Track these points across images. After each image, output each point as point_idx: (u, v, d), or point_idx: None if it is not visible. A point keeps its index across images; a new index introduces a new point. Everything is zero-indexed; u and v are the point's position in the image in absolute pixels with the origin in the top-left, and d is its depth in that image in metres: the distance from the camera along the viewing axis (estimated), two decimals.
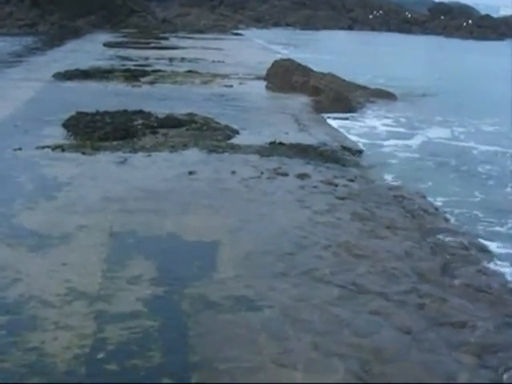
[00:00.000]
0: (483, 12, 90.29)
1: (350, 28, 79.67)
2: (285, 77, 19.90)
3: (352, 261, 6.79)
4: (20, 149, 10.94)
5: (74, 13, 46.83)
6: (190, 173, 9.67)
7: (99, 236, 7.16)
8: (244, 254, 6.78)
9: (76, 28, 43.80)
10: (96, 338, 5.01)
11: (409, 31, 79.56)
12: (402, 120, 17.52)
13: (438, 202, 10.07)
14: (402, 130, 16.32)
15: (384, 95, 20.74)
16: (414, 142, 15.02)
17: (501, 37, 76.22)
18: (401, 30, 78.88)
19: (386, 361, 5.01)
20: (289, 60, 21.86)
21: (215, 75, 21.31)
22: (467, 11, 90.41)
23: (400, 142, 14.78)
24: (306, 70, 20.58)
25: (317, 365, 4.84)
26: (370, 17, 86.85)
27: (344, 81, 21.43)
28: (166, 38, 38.49)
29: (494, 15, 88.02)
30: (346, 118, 16.77)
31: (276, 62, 21.44)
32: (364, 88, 21.44)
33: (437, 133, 16.00)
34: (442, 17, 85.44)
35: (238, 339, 5.13)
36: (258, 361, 4.85)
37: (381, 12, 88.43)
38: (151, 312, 5.49)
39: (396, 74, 28.98)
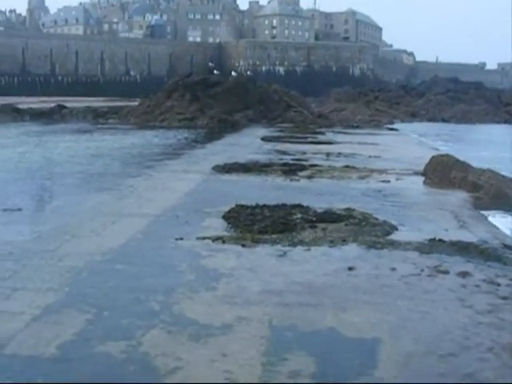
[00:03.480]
0: None
1: (507, 122, 78.22)
2: (443, 172, 19.70)
3: None
4: (181, 239, 11.28)
5: (232, 107, 48.19)
6: (350, 268, 9.65)
7: (259, 328, 7.23)
8: (405, 352, 6.67)
9: (234, 122, 44.99)
10: None
11: None
12: None
13: None
14: None
15: None
16: None
17: None
18: None
19: None
20: (447, 155, 21.64)
21: (372, 170, 21.32)
22: None
23: None
24: (464, 166, 20.30)
25: None
26: None
27: (504, 177, 20.98)
28: (322, 133, 38.94)
29: None
30: (508, 216, 16.39)
31: (434, 157, 21.27)
32: None
33: None
34: None
35: None
36: None
37: None
38: None
39: None
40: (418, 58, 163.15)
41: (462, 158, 21.68)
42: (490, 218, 15.34)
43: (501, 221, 15.36)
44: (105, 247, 10.68)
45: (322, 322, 7.51)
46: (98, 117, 50.46)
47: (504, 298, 8.70)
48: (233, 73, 61.81)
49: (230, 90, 49.87)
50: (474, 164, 22.06)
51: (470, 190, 18.11)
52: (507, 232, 13.90)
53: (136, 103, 54.69)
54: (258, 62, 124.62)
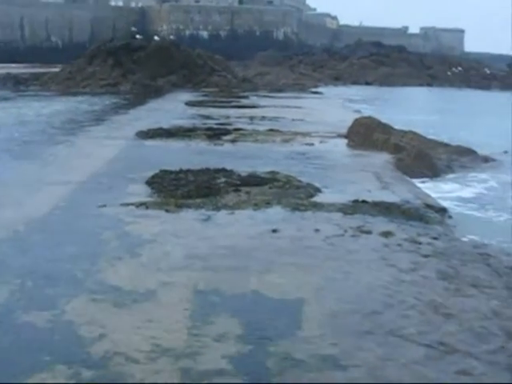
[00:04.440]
0: None
1: (429, 85, 79.28)
2: (366, 135, 19.88)
3: (438, 319, 6.67)
4: (105, 206, 11.15)
5: (155, 72, 47.70)
6: (274, 231, 9.69)
7: (183, 293, 7.21)
8: (329, 312, 6.73)
9: (157, 87, 44.56)
10: None
11: (488, 87, 78.77)
12: (487, 179, 17.33)
13: None
14: (484, 189, 16.14)
15: (466, 153, 20.50)
16: (497, 201, 14.81)
17: None
18: (480, 86, 78.10)
19: None
20: (369, 118, 21.85)
21: (296, 133, 21.39)
22: None
23: (482, 201, 14.62)
24: (386, 128, 20.54)
25: None
26: (449, 73, 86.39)
27: (425, 138, 21.32)
28: (246, 97, 38.88)
29: None
30: (429, 176, 16.66)
31: (357, 119, 21.46)
32: (445, 145, 21.26)
33: None
34: None
35: None
36: None
37: (460, 68, 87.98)
38: (237, 370, 5.47)
39: (477, 132, 28.79)
40: (342, 22, 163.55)
41: (384, 121, 21.91)
42: (412, 179, 15.58)
43: (422, 181, 15.64)
44: (27, 216, 10.47)
45: (246, 284, 7.53)
46: (18, 84, 49.27)
47: (425, 256, 8.84)
48: (155, 37, 61.02)
49: (153, 55, 49.35)
50: (397, 126, 22.33)
51: (393, 151, 18.33)
52: (428, 192, 14.14)
53: (58, 70, 53.58)
54: (181, 27, 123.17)
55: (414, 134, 21.14)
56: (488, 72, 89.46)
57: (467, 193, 15.70)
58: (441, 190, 15.53)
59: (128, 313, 6.65)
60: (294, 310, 6.79)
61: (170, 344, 5.90)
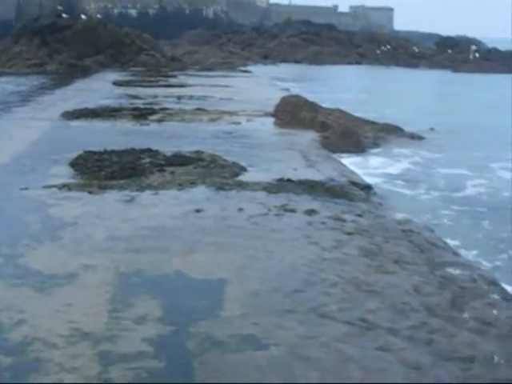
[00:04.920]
0: (490, 45, 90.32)
1: (358, 63, 79.67)
2: (293, 113, 19.90)
3: (360, 296, 6.72)
4: (26, 188, 10.94)
5: (82, 52, 46.94)
6: (197, 211, 9.63)
7: (105, 275, 7.12)
8: (251, 291, 6.71)
9: (84, 67, 43.88)
10: (100, 380, 4.95)
11: (416, 65, 79.49)
12: (409, 155, 17.56)
13: (448, 236, 10.00)
14: (408, 165, 16.34)
15: (393, 130, 20.71)
16: (423, 177, 15.01)
17: (510, 70, 76.08)
18: (409, 65, 78.80)
19: None
20: (296, 96, 21.89)
21: (223, 112, 21.31)
22: (474, 45, 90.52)
23: (408, 177, 14.79)
24: (313, 106, 20.59)
25: None
26: (378, 52, 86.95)
27: (352, 116, 21.45)
28: (174, 76, 38.56)
29: (502, 48, 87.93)
30: (355, 153, 16.79)
31: (283, 98, 21.44)
32: (372, 123, 21.43)
33: (445, 169, 16.00)
34: (450, 50, 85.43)
35: (244, 379, 5.06)
36: None
37: (389, 47, 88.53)
38: (157, 352, 5.42)
39: (405, 109, 29.12)
40: (272, 1, 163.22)
41: (313, 99, 21.98)
42: (338, 157, 15.67)
43: (348, 159, 15.75)
44: None
45: (169, 265, 7.46)
46: None
47: (349, 233, 8.89)
48: (82, 16, 59.84)
49: (80, 35, 48.52)
50: (325, 104, 22.45)
51: (319, 129, 18.39)
52: (354, 169, 14.24)
53: None
54: (109, 5, 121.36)
55: (341, 112, 21.26)
56: (416, 50, 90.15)
57: (393, 169, 15.88)
58: (367, 166, 15.70)
59: (48, 297, 6.54)
60: (216, 290, 6.76)
61: (90, 328, 5.81)
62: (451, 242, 9.76)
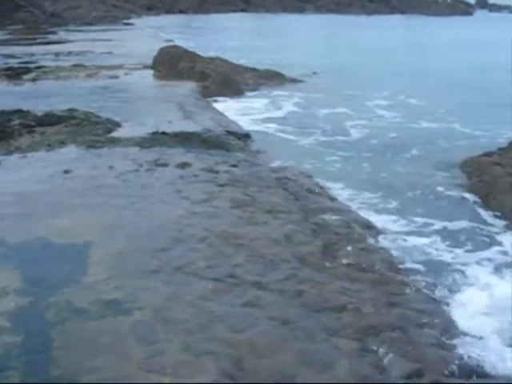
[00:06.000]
0: None
1: (243, 10, 79.30)
2: (171, 64, 19.52)
3: (229, 251, 6.54)
4: None
5: None
6: (66, 171, 9.25)
7: None
8: (116, 253, 6.45)
9: None
10: None
11: (302, 11, 79.65)
12: (290, 100, 17.45)
13: (325, 181, 9.87)
14: (289, 110, 16.21)
15: (274, 76, 20.59)
16: (305, 120, 14.91)
17: (392, 11, 77.18)
18: (295, 10, 78.89)
19: (260, 355, 4.80)
20: (175, 46, 21.50)
21: (101, 67, 20.77)
22: None
23: (286, 123, 14.63)
24: (192, 56, 20.22)
25: (187, 367, 4.59)
26: None
27: (233, 64, 21.20)
28: (54, 33, 37.57)
29: None
30: (233, 102, 16.58)
31: (162, 49, 20.97)
32: (254, 70, 21.23)
33: (325, 111, 15.96)
34: None
35: (104, 347, 4.83)
36: (125, 369, 4.57)
37: None
38: (13, 326, 5.13)
39: (286, 55, 29.04)
40: None
41: (195, 49, 21.67)
42: (217, 106, 15.45)
43: (226, 108, 15.53)
44: None
45: (33, 232, 7.11)
46: None
47: (221, 185, 8.69)
48: None
49: None
50: (210, 53, 22.19)
51: (199, 79, 18.10)
52: (232, 118, 14.03)
53: None
54: None
55: (221, 60, 21.00)
56: None
57: (276, 114, 15.67)
58: (250, 113, 15.45)
59: None
60: (80, 255, 6.46)
61: None
62: (333, 185, 9.67)
